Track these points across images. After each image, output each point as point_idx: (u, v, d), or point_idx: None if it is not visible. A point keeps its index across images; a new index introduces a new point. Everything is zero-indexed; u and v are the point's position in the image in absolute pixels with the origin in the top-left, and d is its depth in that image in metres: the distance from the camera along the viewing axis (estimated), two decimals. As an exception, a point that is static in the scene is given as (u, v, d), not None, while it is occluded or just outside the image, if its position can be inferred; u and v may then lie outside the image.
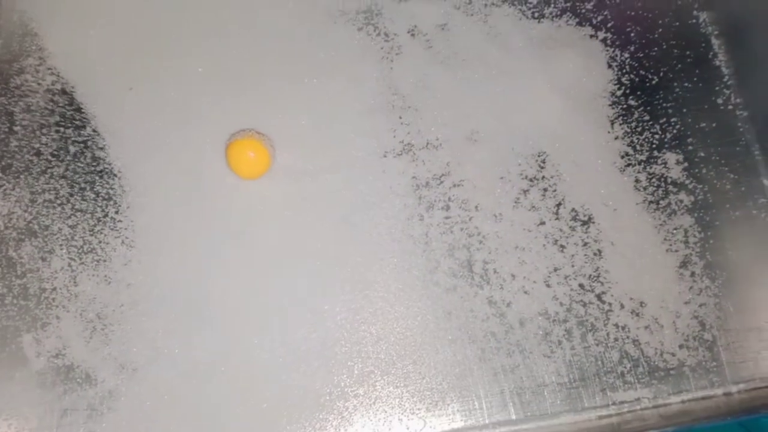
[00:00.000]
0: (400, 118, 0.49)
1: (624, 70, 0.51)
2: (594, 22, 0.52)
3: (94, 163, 0.45)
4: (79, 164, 0.45)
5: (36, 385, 0.40)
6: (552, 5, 0.52)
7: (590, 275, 0.45)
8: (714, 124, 0.50)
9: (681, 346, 0.44)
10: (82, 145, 0.46)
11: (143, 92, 0.47)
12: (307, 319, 0.43)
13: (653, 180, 0.48)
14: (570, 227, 0.46)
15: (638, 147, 0.49)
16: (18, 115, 0.46)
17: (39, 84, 0.47)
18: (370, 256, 0.45)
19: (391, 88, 0.49)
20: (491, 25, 0.51)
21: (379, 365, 0.42)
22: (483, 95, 0.49)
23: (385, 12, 0.51)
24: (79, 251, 0.43)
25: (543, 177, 0.47)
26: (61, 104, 0.47)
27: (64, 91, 0.47)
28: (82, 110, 0.47)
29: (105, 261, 0.43)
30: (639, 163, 0.48)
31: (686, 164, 0.48)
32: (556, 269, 0.45)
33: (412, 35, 0.51)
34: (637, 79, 0.51)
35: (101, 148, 0.46)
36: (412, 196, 0.47)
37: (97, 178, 0.45)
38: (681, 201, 0.48)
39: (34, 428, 0.39)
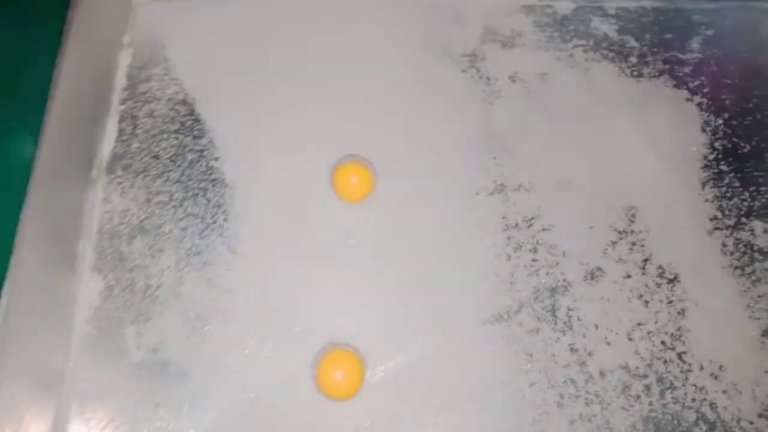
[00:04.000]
0: (495, 158, 0.50)
1: (717, 136, 0.52)
2: (690, 86, 0.54)
3: (208, 172, 0.48)
4: (194, 171, 0.48)
5: (133, 377, 0.42)
6: (651, 66, 0.54)
7: (672, 333, 0.46)
8: (804, 198, 0.50)
9: (760, 416, 0.44)
10: (198, 153, 0.49)
11: (259, 112, 0.50)
12: (389, 344, 0.44)
13: (740, 246, 0.48)
14: (656, 284, 0.47)
15: (727, 212, 0.49)
16: (141, 119, 0.49)
17: (163, 92, 0.50)
18: (456, 290, 0.46)
19: (488, 129, 0.51)
20: (591, 79, 0.53)
21: (455, 397, 0.43)
22: (578, 145, 0.51)
23: (489, 57, 0.54)
24: (187, 252, 0.45)
25: (632, 231, 0.48)
26: (182, 113, 0.50)
27: (185, 102, 0.50)
28: (201, 121, 0.50)
29: (210, 264, 0.45)
30: (726, 228, 0.49)
31: (773, 234, 0.49)
32: (639, 324, 0.46)
33: (513, 81, 0.53)
34: (729, 146, 0.52)
35: (216, 159, 0.48)
36: (501, 235, 0.48)
37: (209, 186, 0.48)
38: (766, 269, 0.48)
39: (129, 418, 0.41)
